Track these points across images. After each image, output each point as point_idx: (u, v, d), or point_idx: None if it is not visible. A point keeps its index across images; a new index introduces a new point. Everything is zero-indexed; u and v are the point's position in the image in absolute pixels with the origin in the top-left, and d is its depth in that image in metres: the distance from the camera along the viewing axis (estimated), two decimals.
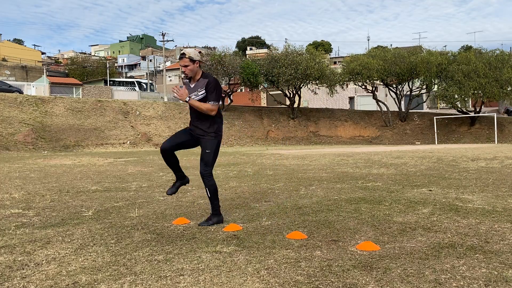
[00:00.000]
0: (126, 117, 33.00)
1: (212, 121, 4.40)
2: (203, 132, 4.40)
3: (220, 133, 4.49)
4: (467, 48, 57.39)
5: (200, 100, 4.34)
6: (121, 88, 49.61)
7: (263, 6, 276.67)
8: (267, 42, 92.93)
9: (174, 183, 4.70)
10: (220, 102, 4.48)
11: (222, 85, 39.39)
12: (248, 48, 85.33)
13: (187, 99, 4.31)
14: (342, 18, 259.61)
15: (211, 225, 4.34)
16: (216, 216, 4.42)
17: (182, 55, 4.32)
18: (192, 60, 4.31)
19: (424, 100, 42.10)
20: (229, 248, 3.47)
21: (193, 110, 4.44)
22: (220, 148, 4.55)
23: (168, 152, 4.44)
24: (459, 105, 36.65)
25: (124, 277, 2.84)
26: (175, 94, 4.33)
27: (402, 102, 40.63)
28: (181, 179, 4.68)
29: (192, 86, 4.43)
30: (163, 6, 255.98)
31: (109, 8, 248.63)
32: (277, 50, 40.50)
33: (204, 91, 4.33)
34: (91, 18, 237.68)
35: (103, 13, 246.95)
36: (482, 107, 38.33)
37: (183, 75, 4.43)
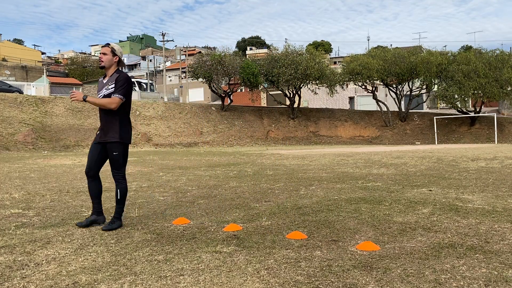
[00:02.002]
0: None
1: (117, 126, 4.25)
2: (108, 136, 4.26)
3: (126, 137, 4.31)
4: (467, 48, 57.39)
5: (109, 95, 4.21)
6: None
7: (262, 6, 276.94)
8: (267, 42, 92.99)
9: (89, 216, 4.43)
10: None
11: (222, 85, 39.58)
12: (248, 48, 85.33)
13: (84, 97, 4.14)
14: (341, 18, 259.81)
15: (115, 228, 4.24)
16: (118, 220, 4.34)
17: (107, 44, 4.31)
18: (113, 52, 4.29)
19: (424, 100, 42.10)
20: (229, 248, 3.47)
21: (102, 114, 4.31)
22: (128, 152, 4.44)
23: (92, 173, 4.34)
24: (459, 105, 36.63)
25: (124, 277, 2.84)
26: (72, 98, 4.19)
27: (402, 102, 40.61)
28: (98, 214, 4.41)
29: (104, 81, 4.36)
30: (162, 6, 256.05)
31: (108, 8, 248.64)
32: (277, 50, 40.49)
33: (113, 85, 4.24)
34: (90, 18, 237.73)
35: (102, 13, 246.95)
36: (482, 107, 38.32)
37: (99, 65, 4.39)
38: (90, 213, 4.83)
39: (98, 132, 4.40)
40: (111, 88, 4.23)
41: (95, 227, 4.36)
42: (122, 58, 4.39)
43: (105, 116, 4.29)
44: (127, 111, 4.36)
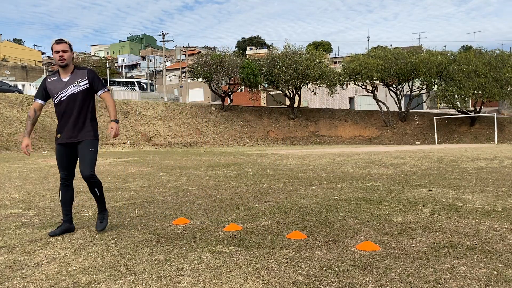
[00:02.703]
0: (126, 117, 32.99)
1: (90, 124, 4.10)
2: (82, 135, 4.03)
3: (97, 133, 4.18)
4: (467, 48, 57.40)
5: (82, 91, 4.02)
6: (121, 88, 49.59)
7: (262, 6, 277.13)
8: (267, 42, 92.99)
9: (60, 226, 4.16)
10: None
11: (222, 85, 39.57)
12: (248, 48, 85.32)
13: (117, 121, 4.06)
14: (341, 17, 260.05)
15: (106, 224, 4.20)
16: (104, 211, 4.25)
17: (61, 40, 4.00)
18: (71, 48, 4.06)
19: (424, 100, 42.11)
20: (229, 248, 3.48)
21: (70, 113, 4.01)
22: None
23: (71, 179, 4.15)
24: (459, 105, 36.63)
25: (124, 277, 2.84)
26: (116, 136, 4.08)
27: (402, 102, 40.62)
28: (70, 222, 4.17)
29: (65, 79, 4.02)
30: (162, 6, 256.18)
31: (108, 8, 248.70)
32: (277, 50, 40.50)
33: (86, 82, 4.03)
34: (90, 18, 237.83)
35: (102, 13, 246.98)
36: (482, 107, 38.33)
37: (59, 63, 4.03)
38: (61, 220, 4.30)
39: (61, 134, 4.05)
40: (84, 85, 4.03)
41: (94, 226, 4.36)
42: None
43: (78, 113, 4.03)
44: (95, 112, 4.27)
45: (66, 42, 4.01)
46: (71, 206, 4.19)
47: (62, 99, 4.02)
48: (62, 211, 4.15)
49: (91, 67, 70.04)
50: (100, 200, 4.22)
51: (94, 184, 4.08)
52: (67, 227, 4.13)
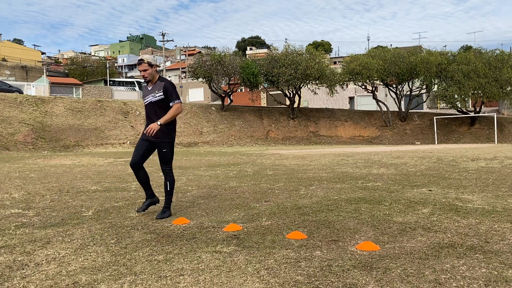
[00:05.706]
0: (126, 117, 32.99)
1: (170, 127, 4.77)
2: (162, 137, 4.74)
3: (174, 136, 4.87)
4: (467, 48, 57.40)
5: (157, 101, 4.70)
6: (121, 88, 49.61)
7: (258, 5, 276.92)
8: (266, 42, 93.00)
9: (145, 201, 5.10)
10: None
11: (222, 85, 39.54)
12: (248, 48, 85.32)
13: (159, 123, 4.64)
14: (338, 16, 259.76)
15: (166, 217, 4.75)
16: (168, 209, 4.86)
17: (141, 61, 4.64)
18: (150, 65, 4.68)
19: (424, 100, 42.10)
20: (229, 248, 3.48)
21: (150, 117, 4.78)
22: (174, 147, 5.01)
23: (137, 166, 4.86)
24: (459, 105, 36.63)
25: (124, 277, 2.84)
26: (151, 135, 4.65)
27: (402, 102, 40.61)
28: (151, 197, 5.06)
29: (149, 88, 4.78)
30: (157, 5, 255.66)
31: (103, 7, 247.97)
32: (277, 50, 40.49)
33: (161, 93, 4.68)
34: (84, 17, 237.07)
35: (97, 12, 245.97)
36: (482, 107, 38.32)
37: (143, 80, 4.78)
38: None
39: (144, 136, 4.86)
40: (159, 96, 4.68)
41: (95, 227, 4.37)
42: (157, 64, 4.80)
43: (156, 119, 4.70)
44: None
45: (145, 62, 4.64)
46: (148, 185, 5.00)
47: (145, 104, 4.84)
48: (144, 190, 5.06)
49: (91, 67, 70.13)
50: (168, 195, 4.86)
51: (167, 178, 4.82)
52: (149, 202, 5.07)
